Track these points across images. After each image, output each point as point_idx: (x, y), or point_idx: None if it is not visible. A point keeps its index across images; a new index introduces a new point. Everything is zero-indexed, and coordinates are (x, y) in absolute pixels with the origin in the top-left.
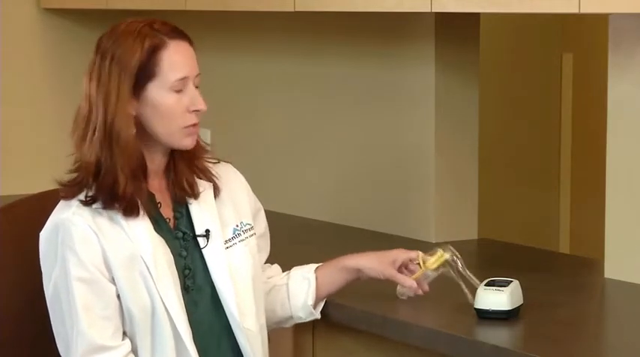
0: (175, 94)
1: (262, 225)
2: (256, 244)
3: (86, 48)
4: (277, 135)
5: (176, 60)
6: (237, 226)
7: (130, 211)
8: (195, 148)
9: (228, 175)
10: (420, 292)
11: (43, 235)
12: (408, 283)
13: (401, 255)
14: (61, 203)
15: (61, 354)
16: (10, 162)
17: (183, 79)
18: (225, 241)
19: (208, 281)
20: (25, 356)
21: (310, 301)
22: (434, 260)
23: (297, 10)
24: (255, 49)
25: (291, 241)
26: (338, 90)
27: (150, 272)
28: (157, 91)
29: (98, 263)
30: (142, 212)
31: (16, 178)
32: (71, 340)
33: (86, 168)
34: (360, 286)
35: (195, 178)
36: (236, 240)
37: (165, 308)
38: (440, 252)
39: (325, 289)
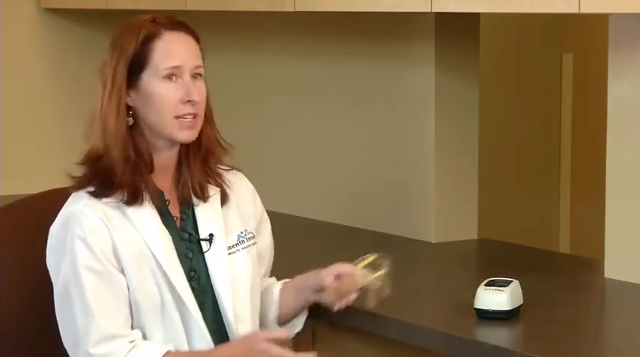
0: (168, 84)
1: (267, 237)
2: (256, 254)
3: (86, 48)
4: (277, 135)
5: (169, 49)
6: (242, 233)
7: (131, 200)
8: (215, 150)
9: (238, 183)
10: (341, 303)
11: (54, 228)
12: (331, 275)
13: (340, 267)
14: (72, 197)
15: (68, 348)
16: (10, 162)
17: (176, 68)
18: (229, 247)
19: (210, 285)
20: (25, 355)
21: (272, 315)
22: (366, 262)
23: (297, 10)
24: (255, 49)
25: (291, 242)
26: (338, 90)
27: (159, 264)
28: (150, 80)
29: (108, 254)
30: (150, 206)
31: (16, 178)
32: (82, 331)
33: (89, 158)
34: None
35: (207, 181)
36: (239, 247)
37: (177, 298)
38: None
39: (286, 304)
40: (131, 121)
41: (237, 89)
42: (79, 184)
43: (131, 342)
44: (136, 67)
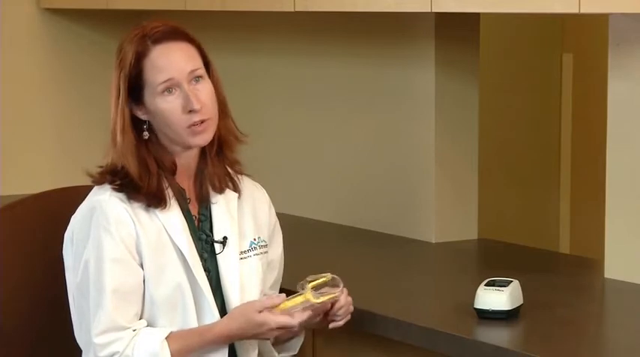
0: (168, 97)
1: (278, 248)
2: (266, 263)
3: (86, 48)
4: (277, 135)
5: (158, 65)
6: (255, 240)
7: (156, 204)
8: (228, 139)
9: (254, 192)
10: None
11: (78, 217)
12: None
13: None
14: (96, 188)
15: (81, 343)
16: (10, 162)
17: (170, 81)
18: (241, 252)
19: (220, 287)
20: (26, 354)
21: None
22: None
23: (297, 10)
24: (255, 50)
25: (291, 242)
26: (338, 90)
27: (182, 255)
28: (150, 98)
29: (130, 246)
30: (172, 203)
31: (16, 178)
32: (92, 321)
33: (110, 170)
34: (360, 285)
35: (224, 172)
36: (251, 253)
37: (197, 292)
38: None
39: None
40: (147, 135)
41: (237, 89)
42: (103, 178)
43: (134, 330)
44: (136, 86)
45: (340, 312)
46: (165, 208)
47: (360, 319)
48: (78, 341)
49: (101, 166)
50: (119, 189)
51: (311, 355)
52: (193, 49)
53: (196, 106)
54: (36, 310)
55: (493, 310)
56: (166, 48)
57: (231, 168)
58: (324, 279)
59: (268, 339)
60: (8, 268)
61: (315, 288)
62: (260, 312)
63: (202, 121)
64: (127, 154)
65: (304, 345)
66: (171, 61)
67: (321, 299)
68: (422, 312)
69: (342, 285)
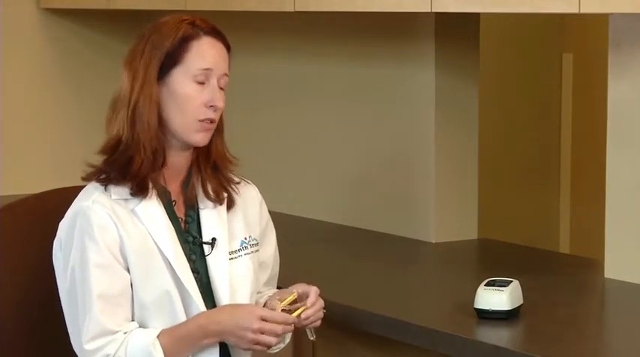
0: (196, 85)
1: (271, 247)
2: (257, 262)
3: (86, 48)
4: (277, 135)
5: (204, 51)
6: (246, 238)
7: (139, 191)
8: (224, 159)
9: (247, 191)
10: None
11: (64, 223)
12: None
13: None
14: (82, 193)
15: (76, 349)
16: (10, 162)
17: (207, 71)
18: (231, 252)
19: (210, 288)
20: (23, 354)
21: None
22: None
23: (297, 10)
24: (255, 49)
25: (291, 242)
26: (338, 90)
27: (166, 258)
28: (180, 78)
29: (114, 250)
30: (157, 204)
31: (16, 178)
32: (82, 325)
33: (108, 144)
34: (360, 285)
35: (220, 187)
36: (242, 252)
37: (183, 293)
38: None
39: None
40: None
41: (237, 89)
42: (92, 175)
43: (125, 333)
44: (168, 62)
45: (308, 320)
46: (147, 197)
47: (360, 319)
48: (74, 348)
49: (99, 153)
50: (106, 180)
51: (311, 355)
52: (228, 57)
53: (219, 104)
54: (36, 310)
55: (493, 310)
56: (215, 42)
57: (225, 183)
58: (292, 296)
59: (242, 348)
60: (8, 267)
61: (286, 307)
62: (259, 319)
63: (212, 121)
64: (151, 128)
65: (305, 345)
66: (216, 54)
67: (294, 315)
68: (422, 312)
69: (308, 299)
